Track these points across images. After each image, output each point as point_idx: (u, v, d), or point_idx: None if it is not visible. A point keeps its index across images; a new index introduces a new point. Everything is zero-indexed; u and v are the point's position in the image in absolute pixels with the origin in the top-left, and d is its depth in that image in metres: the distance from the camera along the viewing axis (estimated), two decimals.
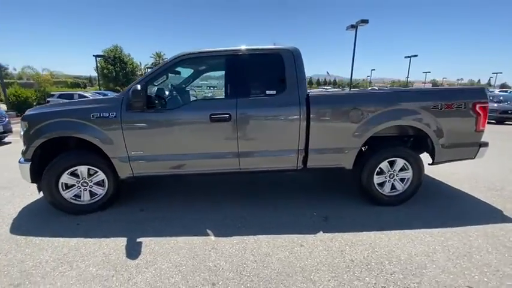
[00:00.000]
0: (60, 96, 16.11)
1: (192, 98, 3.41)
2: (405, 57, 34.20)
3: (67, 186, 2.96)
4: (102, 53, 24.96)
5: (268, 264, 2.16)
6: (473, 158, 3.18)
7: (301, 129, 2.89)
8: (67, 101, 5.25)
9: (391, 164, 3.08)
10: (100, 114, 2.78)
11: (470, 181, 4.04)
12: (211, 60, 3.17)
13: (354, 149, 2.99)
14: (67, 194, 2.95)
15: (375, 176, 3.09)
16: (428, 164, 3.22)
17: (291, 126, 2.88)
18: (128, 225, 2.80)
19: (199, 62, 3.27)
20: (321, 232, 2.63)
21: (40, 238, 2.56)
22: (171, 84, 3.25)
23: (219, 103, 2.96)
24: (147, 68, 36.21)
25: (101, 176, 3.00)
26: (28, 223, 2.88)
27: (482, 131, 3.07)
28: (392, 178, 3.13)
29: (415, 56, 33.64)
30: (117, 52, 26.19)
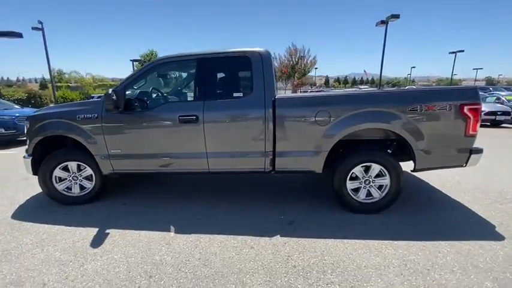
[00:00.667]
0: (99, 97, 17.92)
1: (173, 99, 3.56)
2: (449, 53, 31.04)
3: (60, 179, 3.33)
4: (139, 58, 27.14)
5: (209, 263, 2.21)
6: (464, 166, 2.86)
7: (268, 132, 2.88)
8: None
9: (367, 169, 2.91)
10: (84, 116, 3.09)
11: (475, 191, 3.61)
12: (185, 64, 3.29)
13: (323, 152, 2.89)
14: (60, 186, 3.33)
15: (348, 181, 2.94)
16: (411, 171, 2.98)
17: (257, 129, 2.88)
18: (107, 217, 3.06)
19: (175, 66, 3.42)
20: (278, 236, 2.59)
21: (31, 223, 2.94)
22: (152, 87, 3.46)
23: (188, 105, 3.08)
24: None
25: (89, 171, 3.32)
26: (28, 210, 3.30)
27: (474, 135, 2.75)
28: (368, 184, 2.95)
29: (461, 51, 30.34)
30: (152, 56, 28.14)
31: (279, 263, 2.19)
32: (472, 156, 2.80)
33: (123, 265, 2.19)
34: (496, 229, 2.66)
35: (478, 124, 2.76)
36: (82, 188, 3.40)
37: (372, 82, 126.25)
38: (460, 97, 2.70)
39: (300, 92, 34.66)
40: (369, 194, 2.98)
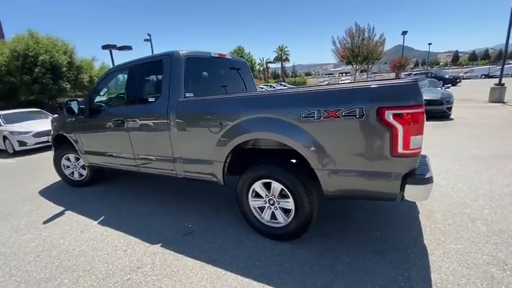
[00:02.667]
0: None
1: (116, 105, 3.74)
2: None
3: (65, 166, 4.39)
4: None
5: (57, 244, 2.49)
6: (395, 200, 1.90)
7: (172, 136, 2.81)
8: None
9: (268, 186, 2.40)
10: (69, 119, 3.91)
11: (447, 214, 2.30)
12: (122, 71, 3.51)
13: (219, 162, 2.57)
14: (66, 172, 4.39)
15: (251, 198, 2.52)
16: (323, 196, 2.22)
17: (162, 133, 2.86)
18: (89, 204, 3.68)
19: (121, 73, 3.68)
20: (159, 245, 2.57)
21: (41, 198, 4.06)
22: (108, 94, 3.93)
23: (119, 110, 3.35)
24: (268, 62, 39.37)
25: (82, 162, 4.22)
26: (50, 188, 4.52)
27: (407, 155, 1.78)
28: (272, 205, 2.43)
29: None
30: (239, 52, 30.37)
31: (132, 271, 2.21)
32: (411, 187, 1.82)
33: (37, 239, 2.78)
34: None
35: (418, 138, 1.76)
36: (80, 175, 4.36)
37: None
38: (378, 98, 1.79)
39: (400, 76, 29.06)
40: (274, 216, 2.46)
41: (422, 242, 2.30)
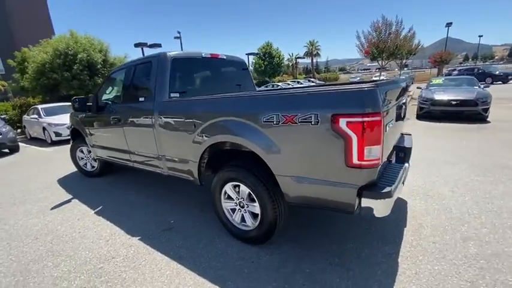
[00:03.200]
0: None
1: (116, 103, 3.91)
2: None
3: (80, 158, 4.80)
4: (256, 51, 29.94)
5: (55, 229, 2.74)
6: (353, 213, 1.78)
7: (157, 135, 2.92)
8: None
9: (238, 189, 2.40)
10: (80, 115, 4.26)
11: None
12: (122, 71, 3.67)
13: (194, 162, 2.62)
14: (80, 163, 4.81)
15: (223, 199, 2.54)
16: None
17: (149, 132, 2.98)
18: (94, 194, 4.04)
19: (121, 73, 3.83)
20: (138, 237, 2.72)
21: (57, 186, 4.51)
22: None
23: (117, 108, 3.53)
24: (297, 57, 38.55)
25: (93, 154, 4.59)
26: (67, 177, 4.98)
27: (363, 166, 1.65)
28: (243, 207, 2.43)
29: None
30: (267, 47, 30.16)
31: (106, 260, 2.39)
32: (367, 200, 1.70)
33: (36, 218, 3.11)
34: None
35: (375, 148, 1.63)
36: (92, 166, 4.75)
37: None
38: (333, 104, 1.68)
39: (442, 72, 26.31)
40: (243, 219, 2.46)
41: (396, 258, 2.14)
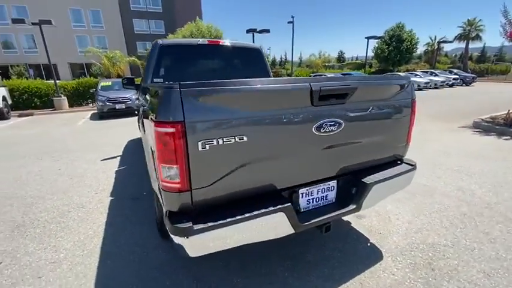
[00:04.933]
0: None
1: None
2: None
3: None
4: (382, 34, 25.58)
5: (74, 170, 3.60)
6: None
7: (139, 118, 3.25)
8: None
9: None
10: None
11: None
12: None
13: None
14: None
15: None
16: None
17: (139, 114, 3.35)
18: (127, 156, 5.14)
19: None
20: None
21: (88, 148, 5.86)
22: None
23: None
24: (441, 41, 30.00)
25: None
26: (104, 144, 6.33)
27: (164, 188, 1.29)
28: None
29: None
30: (398, 29, 25.06)
31: (66, 210, 3.05)
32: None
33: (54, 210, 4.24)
34: None
35: (171, 168, 1.23)
36: None
37: None
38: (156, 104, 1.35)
39: None
40: None
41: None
